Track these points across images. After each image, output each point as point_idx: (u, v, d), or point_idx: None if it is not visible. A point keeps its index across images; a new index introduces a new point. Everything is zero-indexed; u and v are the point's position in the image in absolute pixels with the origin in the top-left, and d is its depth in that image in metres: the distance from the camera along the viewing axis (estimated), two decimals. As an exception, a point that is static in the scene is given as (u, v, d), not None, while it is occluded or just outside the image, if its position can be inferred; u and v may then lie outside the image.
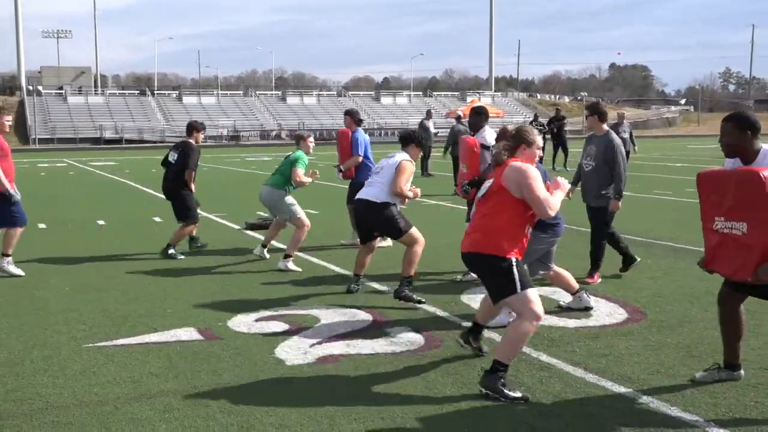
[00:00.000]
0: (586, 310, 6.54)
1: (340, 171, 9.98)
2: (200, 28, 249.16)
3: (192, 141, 9.70)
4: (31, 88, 65.31)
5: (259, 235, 10.68)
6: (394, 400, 4.60)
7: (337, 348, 5.63)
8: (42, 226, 12.29)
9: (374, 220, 7.12)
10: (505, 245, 4.70)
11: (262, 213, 11.39)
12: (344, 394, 4.71)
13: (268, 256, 9.26)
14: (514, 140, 5.01)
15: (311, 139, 9.22)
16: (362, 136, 9.89)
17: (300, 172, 8.80)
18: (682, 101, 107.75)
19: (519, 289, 4.65)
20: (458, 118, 20.71)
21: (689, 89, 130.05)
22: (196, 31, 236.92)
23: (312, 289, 7.56)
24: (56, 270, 8.76)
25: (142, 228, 12.16)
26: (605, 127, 7.85)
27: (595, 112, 7.76)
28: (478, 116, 8.21)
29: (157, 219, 13.09)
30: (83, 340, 5.91)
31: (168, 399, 4.65)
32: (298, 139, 9.15)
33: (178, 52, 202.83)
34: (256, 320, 6.44)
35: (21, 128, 62.39)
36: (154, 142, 60.64)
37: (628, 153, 18.95)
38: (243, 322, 6.37)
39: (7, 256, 8.41)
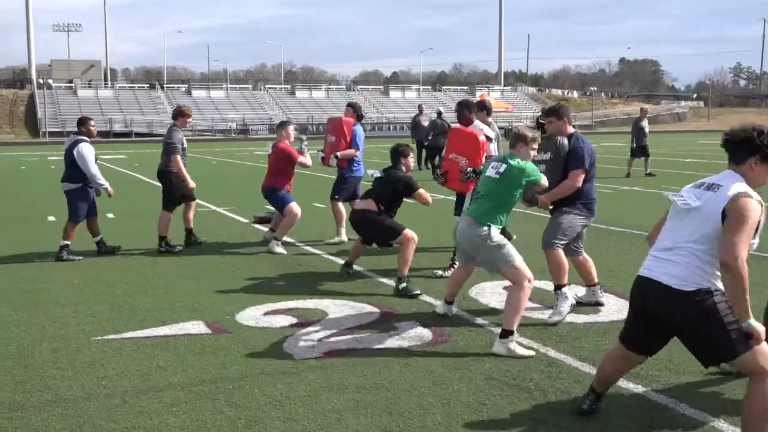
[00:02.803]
0: (597, 305, 6.52)
1: (336, 158, 9.71)
2: (209, 21, 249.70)
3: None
4: (41, 81, 65.51)
5: (266, 229, 10.68)
6: (401, 394, 4.59)
7: (345, 342, 5.63)
8: (51, 218, 12.34)
9: (684, 324, 3.71)
10: None
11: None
12: (352, 388, 4.71)
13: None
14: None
15: (536, 144, 5.93)
16: (362, 132, 10.00)
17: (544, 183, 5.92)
18: (693, 96, 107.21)
19: None
20: (439, 114, 22.88)
21: (699, 84, 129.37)
22: (205, 25, 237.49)
23: (320, 284, 7.55)
24: (65, 263, 8.80)
25: (151, 221, 12.16)
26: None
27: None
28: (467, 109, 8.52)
29: (166, 212, 13.06)
30: (92, 333, 5.93)
31: (176, 392, 4.66)
32: (516, 140, 5.80)
33: (188, 46, 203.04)
34: (265, 314, 6.45)
35: (31, 121, 62.73)
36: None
37: (645, 147, 19.72)
38: (251, 316, 6.38)
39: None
